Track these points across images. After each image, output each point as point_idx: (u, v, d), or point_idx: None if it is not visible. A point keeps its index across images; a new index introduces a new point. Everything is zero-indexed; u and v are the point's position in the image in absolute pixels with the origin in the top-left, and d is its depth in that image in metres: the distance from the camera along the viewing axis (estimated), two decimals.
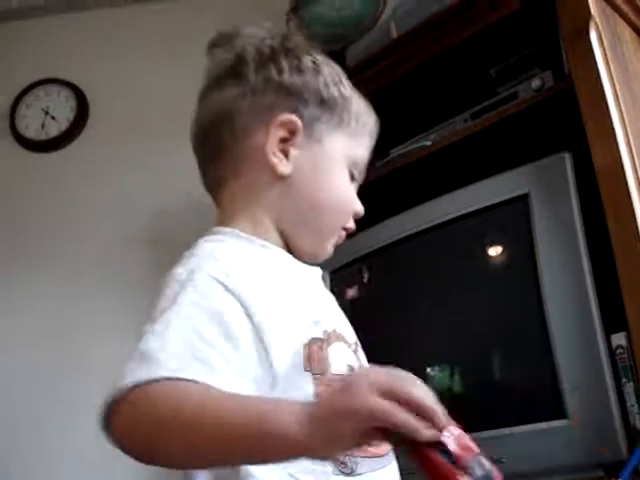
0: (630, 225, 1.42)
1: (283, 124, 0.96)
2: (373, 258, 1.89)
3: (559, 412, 1.46)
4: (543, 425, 1.48)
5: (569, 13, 1.62)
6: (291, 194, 0.97)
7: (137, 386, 0.74)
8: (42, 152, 2.91)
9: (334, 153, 0.99)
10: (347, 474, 0.84)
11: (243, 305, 0.83)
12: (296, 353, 0.86)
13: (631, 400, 1.40)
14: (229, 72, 1.00)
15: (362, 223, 1.88)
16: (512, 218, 1.65)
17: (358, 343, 1.02)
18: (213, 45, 1.06)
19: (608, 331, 1.45)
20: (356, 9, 2.35)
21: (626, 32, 1.74)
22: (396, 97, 2.01)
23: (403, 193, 1.92)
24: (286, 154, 0.97)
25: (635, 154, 1.50)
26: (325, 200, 0.99)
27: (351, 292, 1.92)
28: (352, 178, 1.03)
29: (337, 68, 1.04)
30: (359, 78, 1.98)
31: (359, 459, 0.86)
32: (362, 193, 1.93)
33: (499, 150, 1.79)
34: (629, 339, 1.42)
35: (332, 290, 1.92)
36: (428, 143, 1.88)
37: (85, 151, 2.87)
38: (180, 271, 0.86)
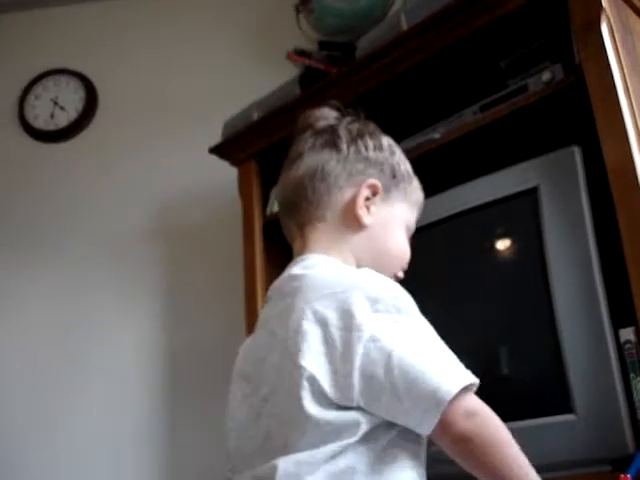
0: (639, 219, 1.42)
1: (370, 186, 1.20)
2: None
3: (566, 407, 1.45)
4: (550, 420, 1.48)
5: (580, 5, 1.61)
6: (368, 240, 1.20)
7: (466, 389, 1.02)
8: (51, 142, 2.92)
9: (398, 216, 1.24)
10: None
11: None
12: None
13: (639, 395, 1.40)
14: (324, 142, 1.23)
15: None
16: (521, 212, 1.65)
17: None
18: (305, 124, 1.28)
19: (616, 326, 1.44)
20: (366, 1, 2.34)
21: (637, 25, 1.73)
22: (405, 89, 2.01)
23: None
24: (368, 209, 1.20)
25: None
26: (392, 249, 1.23)
27: None
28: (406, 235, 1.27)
29: (401, 151, 1.30)
30: (369, 70, 2.00)
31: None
32: None
33: (508, 143, 1.79)
34: (637, 334, 1.41)
35: None
36: (437, 136, 1.87)
37: (94, 141, 2.88)
38: (394, 291, 1.10)
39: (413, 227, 1.30)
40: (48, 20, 3.05)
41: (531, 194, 1.61)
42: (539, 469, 1.47)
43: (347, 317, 1.00)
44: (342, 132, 1.24)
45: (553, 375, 1.50)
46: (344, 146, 1.22)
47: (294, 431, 0.97)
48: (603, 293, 1.46)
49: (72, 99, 2.94)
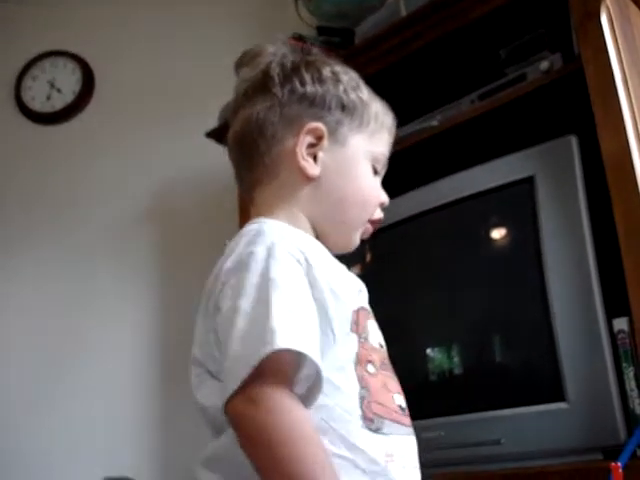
0: (635, 210, 1.42)
1: (310, 131, 1.07)
2: (376, 238, 1.88)
3: (559, 395, 1.46)
4: (542, 407, 1.49)
5: None
6: (321, 193, 1.07)
7: (273, 355, 0.82)
8: (47, 124, 2.91)
9: (356, 152, 1.09)
10: (373, 430, 0.92)
11: (310, 281, 0.93)
12: (347, 316, 0.97)
13: (631, 385, 1.40)
14: (257, 88, 1.11)
15: None
16: (517, 200, 1.65)
17: None
18: (239, 64, 1.17)
19: (610, 315, 1.45)
20: None
21: (637, 16, 1.73)
22: (404, 76, 2.01)
23: (408, 173, 1.92)
24: (314, 158, 1.07)
25: None
26: (351, 196, 1.08)
27: (353, 270, 1.91)
28: (375, 172, 1.12)
29: (354, 75, 1.15)
30: (367, 56, 1.99)
31: (386, 421, 0.94)
32: None
33: (506, 132, 1.79)
34: (631, 324, 1.42)
35: None
36: (435, 123, 1.87)
37: (90, 124, 2.88)
38: (258, 248, 0.93)
39: (383, 157, 1.14)
40: (46, 2, 3.03)
41: (527, 183, 1.61)
42: (531, 456, 1.50)
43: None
44: (274, 71, 1.10)
45: (546, 363, 1.51)
46: (277, 88, 1.08)
47: None
48: (597, 283, 1.46)
49: (69, 81, 2.92)
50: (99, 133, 2.84)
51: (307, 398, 0.88)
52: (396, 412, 0.97)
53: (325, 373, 0.88)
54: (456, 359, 1.72)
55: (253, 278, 0.90)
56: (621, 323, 1.43)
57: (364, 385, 0.94)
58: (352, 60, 1.98)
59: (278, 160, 1.08)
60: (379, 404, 0.94)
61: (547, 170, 1.59)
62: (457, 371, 1.71)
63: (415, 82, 2.03)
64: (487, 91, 1.80)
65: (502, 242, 1.73)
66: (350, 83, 1.12)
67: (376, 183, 1.13)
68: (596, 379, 1.43)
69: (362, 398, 0.93)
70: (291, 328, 0.85)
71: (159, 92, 2.79)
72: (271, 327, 0.84)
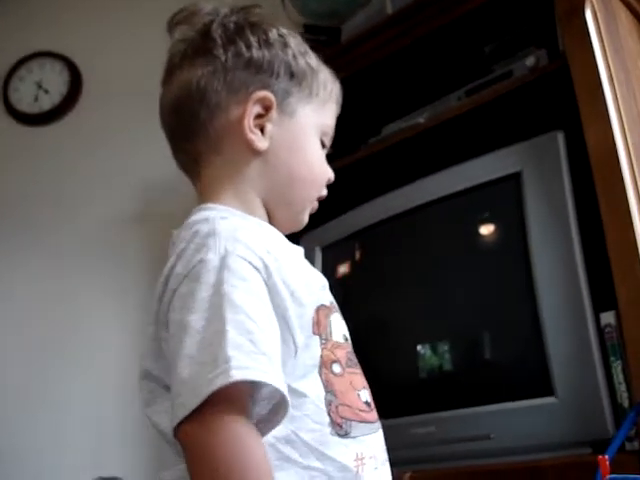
0: (621, 204, 1.43)
1: (258, 100, 0.98)
2: (365, 235, 1.90)
3: (547, 389, 1.47)
4: (531, 402, 1.49)
5: None
6: (269, 168, 1.00)
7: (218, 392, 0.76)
8: (35, 125, 2.90)
9: (306, 125, 1.02)
10: (342, 435, 0.89)
11: (270, 288, 0.86)
12: (309, 318, 0.90)
13: (619, 378, 1.41)
14: (196, 49, 1.01)
15: (354, 200, 1.91)
16: (504, 196, 1.65)
17: None
18: (174, 23, 1.07)
19: (597, 309, 1.45)
20: None
21: (621, 12, 1.73)
22: (390, 74, 2.01)
23: (396, 170, 1.93)
24: (262, 130, 0.99)
25: (628, 133, 1.50)
26: (302, 172, 1.02)
27: (342, 269, 1.92)
28: (322, 146, 1.06)
29: (301, 39, 1.06)
30: (354, 54, 1.99)
31: (353, 423, 0.91)
32: (354, 170, 1.95)
33: (492, 128, 1.79)
34: (618, 318, 1.42)
35: (323, 267, 1.94)
36: (421, 120, 1.87)
37: (78, 125, 2.87)
38: (210, 256, 0.85)
39: (331, 130, 1.07)
40: (32, 3, 3.02)
41: (514, 179, 1.61)
42: (520, 451, 1.50)
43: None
44: (215, 33, 1.00)
45: (535, 358, 1.51)
46: (220, 51, 0.98)
47: None
48: (584, 277, 1.47)
49: (56, 82, 2.91)
50: (87, 134, 2.83)
51: (270, 421, 0.83)
52: (362, 410, 0.93)
53: (290, 383, 0.84)
54: (445, 355, 1.72)
55: (204, 292, 0.82)
56: (608, 317, 1.44)
57: (330, 389, 0.90)
58: (338, 58, 2.00)
59: (222, 132, 0.98)
60: (346, 406, 0.91)
61: (534, 166, 1.60)
62: (446, 367, 1.71)
63: (402, 79, 2.03)
64: (474, 88, 1.81)
65: (490, 238, 1.73)
66: (299, 48, 1.03)
67: (324, 159, 1.06)
68: (584, 373, 1.44)
69: (329, 403, 0.89)
70: (248, 355, 0.78)
71: (147, 93, 2.76)
72: (225, 355, 0.77)
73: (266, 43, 1.00)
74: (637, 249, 1.40)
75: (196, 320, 0.80)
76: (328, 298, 0.97)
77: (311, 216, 1.77)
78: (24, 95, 2.92)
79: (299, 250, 1.01)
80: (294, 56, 1.02)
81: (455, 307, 1.72)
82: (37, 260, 2.74)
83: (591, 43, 1.53)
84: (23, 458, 2.52)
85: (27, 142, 2.88)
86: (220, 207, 0.96)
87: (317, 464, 0.86)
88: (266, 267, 0.86)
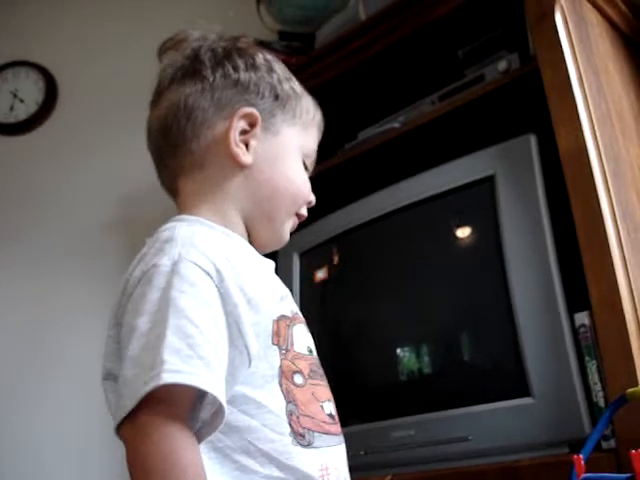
0: (593, 205, 1.44)
1: (244, 116, 1.02)
2: (342, 240, 1.91)
3: (524, 390, 1.48)
4: (508, 403, 1.50)
5: None
6: (252, 183, 1.02)
7: (151, 395, 0.78)
8: (10, 135, 2.89)
9: (289, 144, 1.06)
10: (305, 446, 0.90)
11: (222, 293, 0.87)
12: (266, 328, 0.92)
13: (594, 378, 1.42)
14: (185, 71, 1.05)
15: (331, 205, 1.91)
16: (478, 199, 1.66)
17: None
18: (163, 49, 1.13)
19: (571, 310, 1.47)
20: None
21: (592, 15, 1.75)
22: (364, 79, 2.02)
23: (371, 175, 1.94)
24: (246, 145, 1.02)
25: (599, 136, 1.51)
26: (283, 188, 1.04)
27: (320, 274, 1.93)
28: (305, 168, 1.09)
29: (284, 66, 1.12)
30: (327, 60, 2.00)
31: (316, 434, 0.92)
32: (331, 175, 1.96)
33: (466, 132, 1.80)
34: (592, 318, 1.43)
35: (301, 272, 1.94)
36: (396, 125, 1.89)
37: (54, 134, 2.86)
38: (163, 261, 0.88)
39: (313, 154, 1.11)
40: (7, 12, 3.01)
41: (488, 182, 1.63)
42: (498, 452, 1.51)
43: None
44: (205, 56, 1.05)
45: (510, 359, 1.52)
46: (208, 72, 1.03)
47: None
48: (558, 278, 1.48)
49: (32, 91, 2.90)
50: (63, 143, 2.82)
51: (210, 425, 0.84)
52: (325, 422, 0.94)
53: (247, 392, 0.88)
54: (424, 358, 1.74)
55: (153, 295, 0.85)
56: (582, 318, 1.45)
57: (291, 399, 0.91)
58: (312, 65, 2.01)
59: (206, 147, 1.02)
60: (308, 417, 0.92)
61: (507, 168, 1.61)
62: (425, 370, 1.72)
63: (376, 85, 2.04)
64: (447, 92, 1.83)
65: (464, 241, 1.74)
66: (284, 73, 1.09)
67: (307, 179, 1.09)
68: (560, 374, 1.45)
69: (290, 413, 0.90)
70: (183, 359, 0.79)
71: (123, 101, 2.78)
72: (161, 358, 0.79)
73: (253, 66, 1.05)
74: (609, 249, 1.41)
75: (143, 323, 0.83)
76: (290, 308, 0.99)
77: None
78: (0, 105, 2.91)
79: (267, 263, 1.03)
80: (279, 80, 1.07)
81: (431, 310, 1.73)
82: (14, 272, 2.73)
83: (561, 46, 1.55)
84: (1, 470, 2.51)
85: (3, 152, 2.87)
86: (191, 218, 0.99)
87: (278, 474, 0.88)
88: (218, 271, 0.88)
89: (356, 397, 1.73)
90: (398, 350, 1.78)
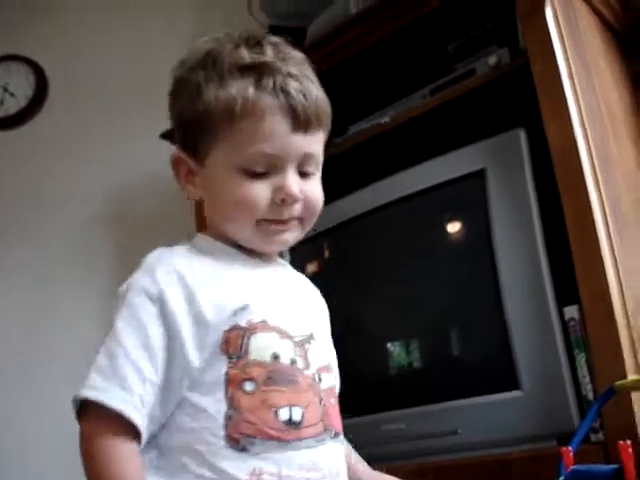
0: (582, 200, 1.45)
1: (175, 160, 1.06)
2: (332, 234, 1.91)
3: (513, 384, 1.49)
4: (498, 397, 1.51)
5: None
6: (209, 211, 1.07)
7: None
8: (1, 130, 2.88)
9: (215, 171, 1.02)
10: (239, 450, 0.94)
11: (164, 314, 0.95)
12: (215, 339, 0.97)
13: (583, 371, 1.43)
14: None
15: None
16: (468, 193, 1.67)
17: (315, 337, 1.07)
18: None
19: (561, 304, 1.47)
20: None
21: (582, 9, 1.76)
22: (355, 73, 2.02)
23: (362, 169, 1.93)
24: (192, 181, 1.06)
25: (589, 131, 1.52)
26: (224, 212, 1.04)
27: (311, 268, 1.93)
28: (255, 174, 1.00)
29: (195, 80, 1.02)
30: (318, 54, 1.99)
31: (257, 440, 0.94)
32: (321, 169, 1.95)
33: (456, 126, 1.81)
34: (581, 312, 1.44)
35: (292, 266, 1.94)
36: (386, 119, 1.89)
37: (44, 128, 2.85)
38: (122, 287, 0.99)
39: (260, 155, 0.98)
40: None
41: (478, 176, 1.63)
42: (487, 445, 1.52)
43: None
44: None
45: (500, 353, 1.53)
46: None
47: None
48: (548, 272, 1.49)
49: (22, 86, 2.90)
50: (53, 137, 2.81)
51: None
52: (275, 429, 0.95)
53: (191, 398, 0.95)
54: (415, 353, 1.74)
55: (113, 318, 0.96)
56: (572, 311, 1.46)
57: (234, 405, 0.94)
58: None
59: None
60: (249, 423, 0.94)
61: (497, 163, 1.61)
62: (415, 364, 1.73)
63: (366, 79, 2.04)
64: (437, 86, 1.83)
65: (455, 235, 1.75)
66: (189, 92, 1.02)
67: (252, 187, 0.99)
68: (549, 367, 1.46)
69: (229, 418, 0.94)
70: (104, 377, 0.91)
71: (112, 95, 2.78)
72: (88, 377, 0.92)
73: (172, 101, 1.07)
74: (598, 243, 1.42)
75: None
76: (248, 319, 0.99)
77: None
78: None
79: (235, 273, 1.04)
80: (182, 108, 1.04)
81: (421, 304, 1.73)
82: (4, 265, 2.73)
83: (551, 41, 1.55)
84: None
85: None
86: (197, 236, 1.09)
87: (209, 474, 0.92)
88: (161, 295, 0.95)
89: (346, 391, 1.73)
90: (388, 344, 1.79)
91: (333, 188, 1.94)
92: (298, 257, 1.95)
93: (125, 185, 2.67)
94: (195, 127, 1.01)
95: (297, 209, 1.04)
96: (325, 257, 1.94)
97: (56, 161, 2.78)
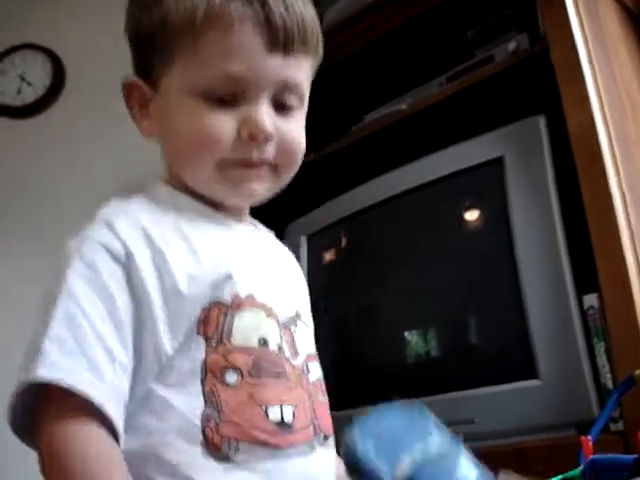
0: (602, 188, 1.43)
1: (126, 87, 0.90)
2: (350, 222, 1.90)
3: (531, 372, 1.47)
4: (515, 385, 1.50)
5: None
6: (166, 150, 0.90)
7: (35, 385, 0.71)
8: (18, 118, 2.88)
9: (170, 95, 0.85)
10: (220, 459, 0.75)
11: (133, 280, 0.77)
12: (190, 316, 0.79)
13: (602, 360, 1.42)
14: None
15: (338, 188, 1.91)
16: (487, 181, 1.66)
17: (301, 318, 0.90)
18: None
19: (580, 292, 1.46)
20: None
21: None
22: (372, 60, 2.01)
23: (379, 157, 1.92)
24: (146, 112, 0.89)
25: (608, 117, 1.50)
26: (179, 150, 0.86)
27: (328, 256, 1.93)
28: (218, 101, 0.83)
29: None
30: (335, 42, 1.97)
31: (243, 445, 0.76)
32: (338, 157, 1.95)
33: (475, 113, 1.79)
34: (600, 300, 1.43)
35: (309, 255, 1.94)
36: (404, 107, 1.87)
37: (61, 118, 2.85)
38: (72, 243, 0.80)
39: (224, 78, 0.81)
40: None
41: (497, 163, 1.62)
42: (505, 434, 1.51)
43: None
44: None
45: (519, 341, 1.52)
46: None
47: None
48: (567, 260, 1.47)
49: (39, 75, 2.90)
50: (70, 127, 2.81)
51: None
52: (263, 431, 0.77)
53: (157, 389, 0.75)
54: (432, 342, 1.73)
55: (54, 278, 0.76)
56: (591, 299, 1.44)
57: (213, 401, 0.75)
58: None
59: None
60: (232, 423, 0.75)
61: (516, 150, 1.60)
62: (432, 352, 1.72)
63: (383, 66, 2.03)
64: (455, 73, 1.81)
65: (473, 223, 1.73)
66: (139, 6, 0.87)
67: (213, 117, 0.82)
68: (568, 356, 1.44)
69: (207, 418, 0.75)
70: (64, 353, 0.71)
71: None
72: (41, 349, 0.71)
73: (128, 19, 0.90)
74: (618, 231, 1.40)
75: (41, 304, 0.76)
76: (233, 292, 0.81)
77: (296, 205, 1.77)
78: (7, 88, 2.90)
79: (209, 234, 0.86)
80: (138, 23, 0.87)
81: (439, 293, 1.72)
82: (18, 256, 2.73)
83: (571, 27, 1.54)
84: None
85: (9, 135, 2.87)
86: (154, 186, 0.92)
87: None
88: (128, 255, 0.77)
89: (363, 379, 1.73)
90: (406, 333, 1.78)
91: (350, 176, 1.94)
92: (315, 246, 1.95)
93: (141, 177, 2.66)
94: (149, 41, 0.84)
95: (270, 151, 0.85)
96: (342, 245, 1.93)
97: (72, 150, 2.78)
